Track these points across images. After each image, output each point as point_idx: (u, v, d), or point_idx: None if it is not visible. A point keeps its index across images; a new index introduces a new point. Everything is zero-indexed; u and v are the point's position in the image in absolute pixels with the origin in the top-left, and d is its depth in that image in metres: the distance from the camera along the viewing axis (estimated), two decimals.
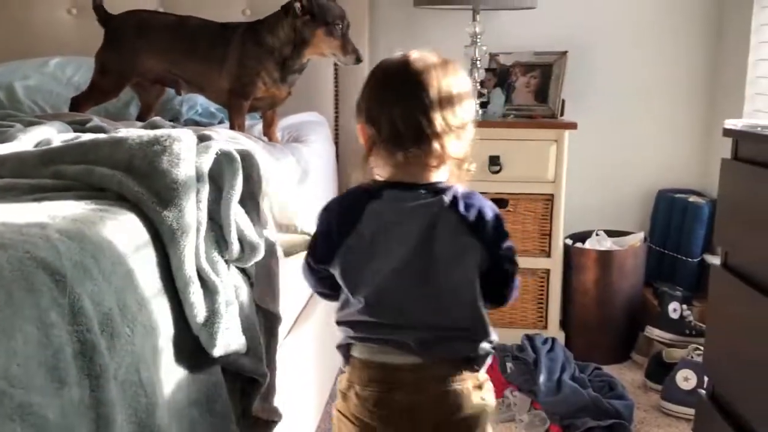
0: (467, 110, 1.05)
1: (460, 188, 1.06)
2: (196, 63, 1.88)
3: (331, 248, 1.04)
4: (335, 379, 2.05)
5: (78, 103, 1.87)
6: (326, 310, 1.86)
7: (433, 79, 1.02)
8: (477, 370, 1.07)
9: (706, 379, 1.86)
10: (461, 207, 1.03)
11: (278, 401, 1.22)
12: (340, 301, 1.09)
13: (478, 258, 1.04)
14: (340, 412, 1.11)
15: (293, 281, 1.58)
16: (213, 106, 2.22)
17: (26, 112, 1.86)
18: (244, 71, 1.83)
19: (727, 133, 1.39)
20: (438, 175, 1.05)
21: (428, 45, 2.84)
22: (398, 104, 1.02)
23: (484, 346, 1.07)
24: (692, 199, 2.40)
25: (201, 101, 2.20)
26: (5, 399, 0.56)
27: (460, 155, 1.04)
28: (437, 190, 1.04)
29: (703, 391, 1.47)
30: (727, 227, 1.40)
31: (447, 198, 1.03)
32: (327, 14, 1.81)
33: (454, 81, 1.04)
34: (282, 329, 1.45)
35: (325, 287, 1.11)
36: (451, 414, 1.05)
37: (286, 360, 1.41)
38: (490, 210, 1.06)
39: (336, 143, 2.49)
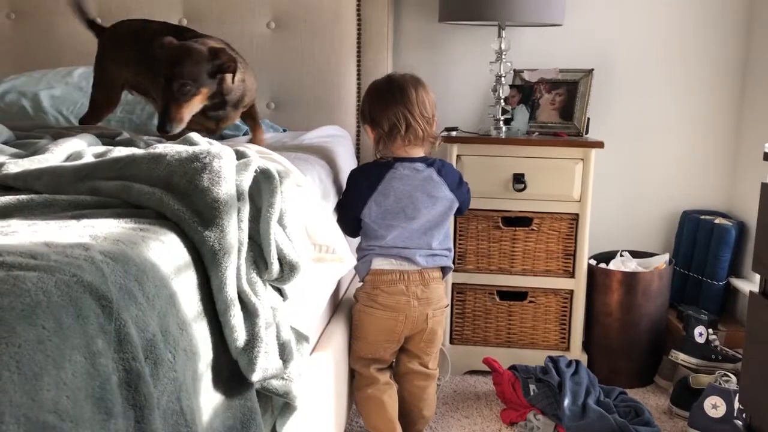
0: (431, 108, 1.72)
1: (438, 160, 1.77)
2: (143, 72, 1.74)
3: (362, 201, 1.72)
4: (352, 402, 2.02)
5: (83, 123, 1.81)
6: (345, 330, 1.83)
7: (410, 88, 1.69)
8: (444, 275, 1.82)
9: (736, 406, 1.82)
10: (443, 172, 1.75)
11: (307, 424, 1.20)
12: (366, 234, 1.76)
13: (451, 203, 1.76)
14: (367, 306, 1.75)
15: (322, 298, 1.56)
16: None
17: (51, 122, 1.84)
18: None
19: None
20: (422, 151, 1.75)
21: (452, 61, 2.83)
22: (391, 108, 1.68)
23: (449, 260, 1.81)
24: (718, 220, 2.36)
25: None
26: None
27: (434, 135, 1.75)
28: (429, 162, 1.74)
29: (740, 422, 1.43)
30: (766, 253, 1.37)
31: (435, 167, 1.74)
32: (160, 58, 1.54)
33: (422, 90, 1.71)
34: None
35: (354, 227, 1.77)
36: (438, 300, 1.77)
37: (310, 381, 1.38)
38: (457, 173, 1.81)
39: (357, 156, 2.47)
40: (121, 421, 0.62)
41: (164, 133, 1.50)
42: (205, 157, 0.96)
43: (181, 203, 0.90)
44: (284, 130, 2.30)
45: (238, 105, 1.73)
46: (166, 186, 0.93)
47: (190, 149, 0.99)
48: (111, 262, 0.71)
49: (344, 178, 2.05)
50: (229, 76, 1.60)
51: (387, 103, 1.70)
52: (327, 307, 1.70)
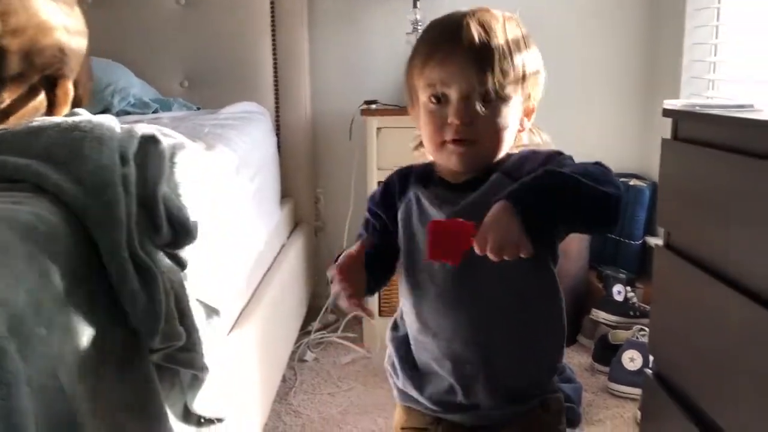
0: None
1: None
2: None
3: None
4: (282, 376, 2.00)
5: None
6: (271, 305, 1.80)
7: None
8: None
9: (651, 358, 1.89)
10: None
11: (224, 399, 1.17)
12: None
13: None
14: None
15: (235, 274, 1.53)
16: (146, 97, 2.13)
17: None
18: None
19: (667, 113, 1.40)
20: None
21: (370, 33, 2.80)
22: None
23: None
24: (633, 182, 2.43)
25: (134, 91, 2.11)
26: None
27: None
28: None
29: (649, 371, 1.48)
30: (669, 207, 1.41)
31: None
32: None
33: None
34: (224, 325, 1.39)
35: None
36: None
37: (230, 357, 1.35)
38: None
39: (277, 134, 2.43)
40: None
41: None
42: (86, 125, 0.91)
43: (60, 173, 0.86)
44: (198, 108, 2.24)
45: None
46: (45, 157, 0.88)
47: (70, 120, 0.94)
48: None
49: (261, 152, 2.02)
50: None
51: None
52: (245, 286, 1.67)
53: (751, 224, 1.09)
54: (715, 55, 2.18)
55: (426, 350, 0.95)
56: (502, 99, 0.91)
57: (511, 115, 0.93)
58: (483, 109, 0.89)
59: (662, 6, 2.44)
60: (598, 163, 0.88)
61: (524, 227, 0.76)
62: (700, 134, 1.29)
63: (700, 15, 2.22)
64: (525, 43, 0.95)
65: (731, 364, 1.13)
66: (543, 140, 1.05)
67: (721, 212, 1.19)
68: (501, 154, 0.94)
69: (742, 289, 1.10)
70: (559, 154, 0.94)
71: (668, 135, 1.40)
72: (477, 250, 0.77)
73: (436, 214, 0.92)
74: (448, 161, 0.92)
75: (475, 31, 0.89)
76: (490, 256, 0.76)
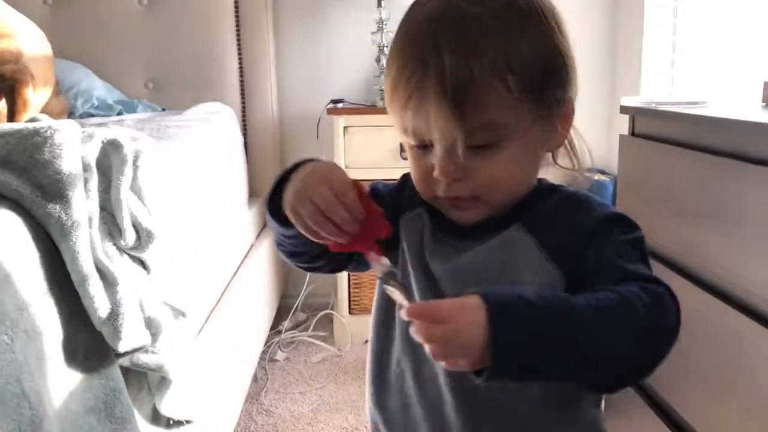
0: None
1: None
2: None
3: None
4: (253, 376, 2.00)
5: None
6: (241, 305, 1.81)
7: None
8: None
9: None
10: None
11: (193, 400, 1.17)
12: None
13: None
14: None
15: (204, 274, 1.53)
16: (110, 99, 2.12)
17: None
18: None
19: (624, 110, 1.44)
20: None
21: (336, 32, 2.80)
22: None
23: None
24: (597, 177, 2.47)
25: (97, 94, 2.09)
26: None
27: None
28: None
29: None
30: (628, 201, 1.45)
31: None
32: None
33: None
34: (193, 326, 1.40)
35: None
36: None
37: (199, 358, 1.35)
38: None
39: (244, 134, 2.42)
40: None
41: None
42: (46, 131, 0.91)
43: (20, 179, 0.86)
44: (163, 109, 2.22)
45: None
46: (5, 164, 0.88)
47: (31, 125, 0.94)
48: None
49: (227, 152, 2.02)
50: None
51: None
52: (213, 286, 1.67)
53: (705, 217, 1.13)
54: (674, 51, 2.23)
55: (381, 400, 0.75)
56: (503, 141, 0.64)
57: (521, 155, 0.66)
58: (474, 160, 0.64)
59: (621, 4, 2.49)
60: (654, 294, 0.60)
61: (493, 369, 0.52)
62: (656, 130, 1.33)
63: (658, 13, 2.27)
64: (534, 33, 0.65)
65: (690, 354, 1.17)
66: (578, 160, 0.75)
67: (676, 206, 1.23)
68: (522, 191, 0.70)
69: (698, 280, 1.14)
70: (618, 220, 0.68)
71: (624, 130, 1.44)
72: (412, 328, 0.53)
73: (427, 257, 0.72)
74: (448, 214, 0.71)
75: (450, 56, 0.60)
76: (424, 344, 0.52)
